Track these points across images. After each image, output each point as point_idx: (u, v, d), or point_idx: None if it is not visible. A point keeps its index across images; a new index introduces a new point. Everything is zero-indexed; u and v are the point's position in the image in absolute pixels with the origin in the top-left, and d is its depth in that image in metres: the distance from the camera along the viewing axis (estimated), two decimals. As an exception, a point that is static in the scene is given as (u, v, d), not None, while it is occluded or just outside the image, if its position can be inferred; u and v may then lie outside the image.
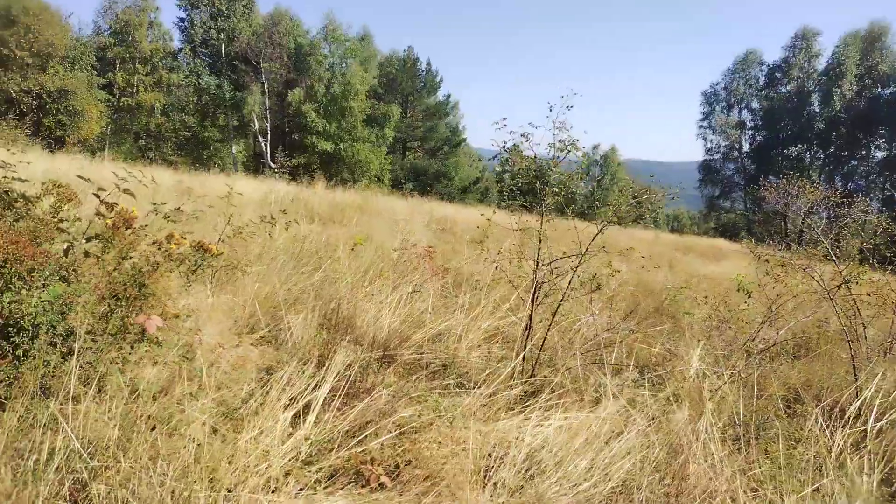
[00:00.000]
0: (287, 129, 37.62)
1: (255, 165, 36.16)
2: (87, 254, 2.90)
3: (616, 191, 65.06)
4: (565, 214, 4.56)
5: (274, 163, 34.26)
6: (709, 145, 45.81)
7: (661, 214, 78.98)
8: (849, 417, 3.21)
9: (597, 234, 4.16)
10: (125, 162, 24.35)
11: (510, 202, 4.76)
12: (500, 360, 4.25)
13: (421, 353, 4.22)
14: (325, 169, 32.91)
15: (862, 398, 3.45)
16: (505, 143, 4.36)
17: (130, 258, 2.87)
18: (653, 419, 3.15)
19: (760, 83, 44.43)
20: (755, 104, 44.67)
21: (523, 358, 4.14)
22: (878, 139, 40.04)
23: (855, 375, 4.24)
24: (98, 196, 3.05)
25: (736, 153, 45.34)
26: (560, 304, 4.27)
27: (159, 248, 2.99)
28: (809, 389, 4.46)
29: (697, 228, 50.84)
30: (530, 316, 4.26)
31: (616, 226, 4.36)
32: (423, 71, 40.47)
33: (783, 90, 43.13)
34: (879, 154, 40.22)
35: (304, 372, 2.93)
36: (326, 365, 3.02)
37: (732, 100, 44.70)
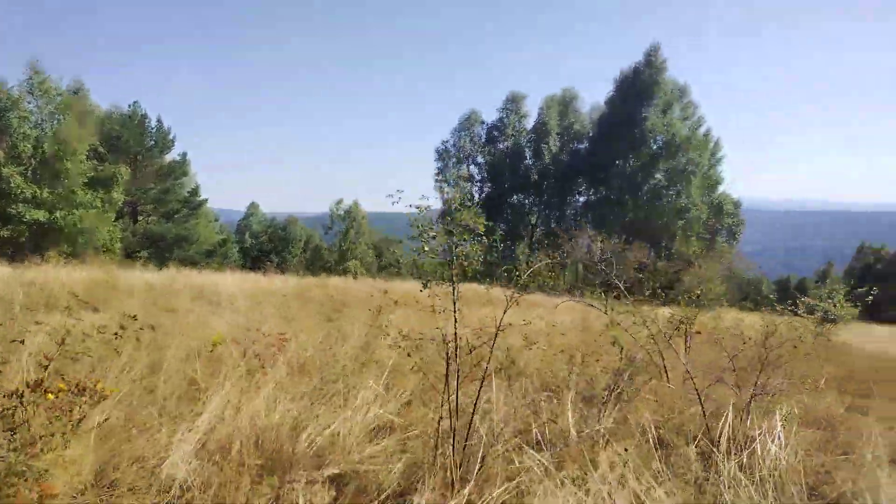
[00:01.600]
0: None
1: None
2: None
3: (362, 244, 66.71)
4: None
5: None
6: (445, 196, 49.72)
7: (403, 263, 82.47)
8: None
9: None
10: None
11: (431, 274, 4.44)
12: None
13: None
14: (39, 242, 27.80)
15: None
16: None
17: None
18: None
19: (482, 140, 49.92)
20: (480, 159, 49.96)
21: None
22: (580, 186, 47.77)
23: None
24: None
25: (469, 203, 49.93)
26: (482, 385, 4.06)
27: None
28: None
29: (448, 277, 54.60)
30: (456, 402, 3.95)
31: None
32: (152, 128, 37.06)
33: (501, 146, 49.15)
34: (581, 199, 48.03)
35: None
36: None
37: (462, 155, 49.47)
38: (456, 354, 4.00)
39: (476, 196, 50.52)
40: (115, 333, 4.12)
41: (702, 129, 44.18)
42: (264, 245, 71.75)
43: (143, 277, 15.01)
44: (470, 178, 50.02)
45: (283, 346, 5.42)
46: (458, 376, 3.99)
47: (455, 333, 4.06)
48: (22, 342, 3.96)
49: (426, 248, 4.12)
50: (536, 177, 47.43)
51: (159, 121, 38.00)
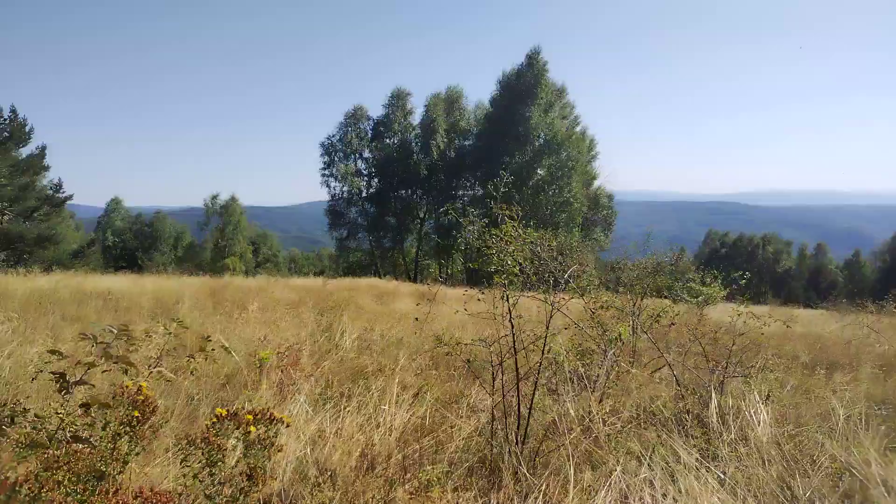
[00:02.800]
0: None
1: None
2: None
3: (241, 240, 64.05)
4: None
5: None
6: (333, 192, 49.02)
7: (281, 258, 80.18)
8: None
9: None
10: None
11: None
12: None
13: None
14: None
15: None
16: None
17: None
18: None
19: (369, 136, 49.64)
20: (367, 154, 49.67)
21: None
22: (466, 181, 49.03)
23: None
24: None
25: (356, 198, 49.48)
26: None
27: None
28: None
29: (332, 269, 53.92)
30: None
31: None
32: (5, 119, 33.11)
33: (388, 142, 49.17)
34: (470, 193, 49.31)
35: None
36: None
37: (348, 150, 48.91)
38: (514, 353, 4.17)
39: (364, 191, 50.21)
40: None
41: (578, 128, 47.20)
42: (129, 243, 66.45)
43: (24, 282, 13.49)
44: (358, 173, 49.58)
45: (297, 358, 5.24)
46: (517, 374, 4.16)
47: (512, 334, 4.22)
48: None
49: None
50: (426, 172, 48.02)
51: (13, 111, 34.03)
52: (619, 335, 5.64)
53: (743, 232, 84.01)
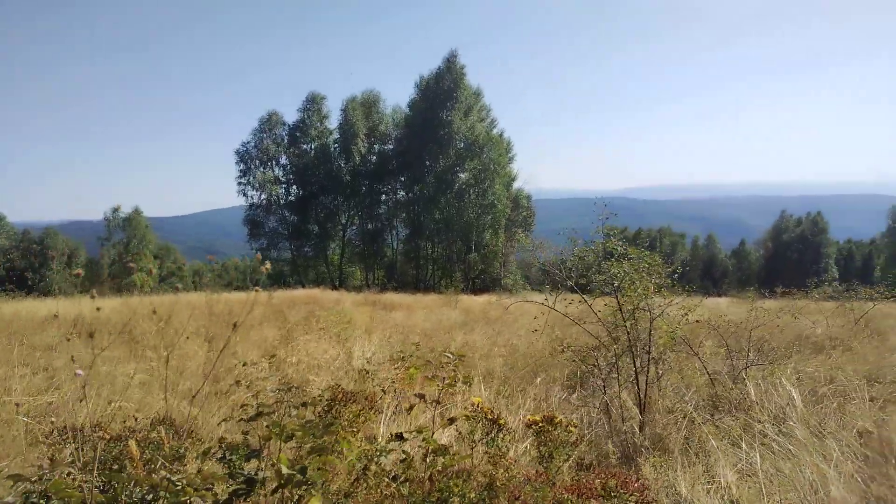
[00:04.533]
0: None
1: None
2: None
3: (147, 254, 60.66)
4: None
5: None
6: (251, 200, 47.56)
7: (186, 271, 76.76)
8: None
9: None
10: None
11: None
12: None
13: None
14: None
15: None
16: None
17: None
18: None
19: (285, 141, 48.56)
20: (284, 160, 48.57)
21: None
22: (392, 185, 49.01)
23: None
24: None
25: (276, 206, 48.31)
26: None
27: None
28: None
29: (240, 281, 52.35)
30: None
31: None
32: None
33: (305, 147, 48.33)
34: (394, 197, 49.46)
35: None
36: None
37: (265, 157, 47.52)
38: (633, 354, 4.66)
39: (283, 198, 49.07)
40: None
41: (496, 130, 48.47)
42: (16, 262, 61.15)
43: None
44: (276, 181, 48.31)
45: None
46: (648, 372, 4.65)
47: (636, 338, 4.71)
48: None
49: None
50: (348, 177, 47.54)
51: None
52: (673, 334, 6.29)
53: (640, 226, 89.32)
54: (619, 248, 5.47)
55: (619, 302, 5.08)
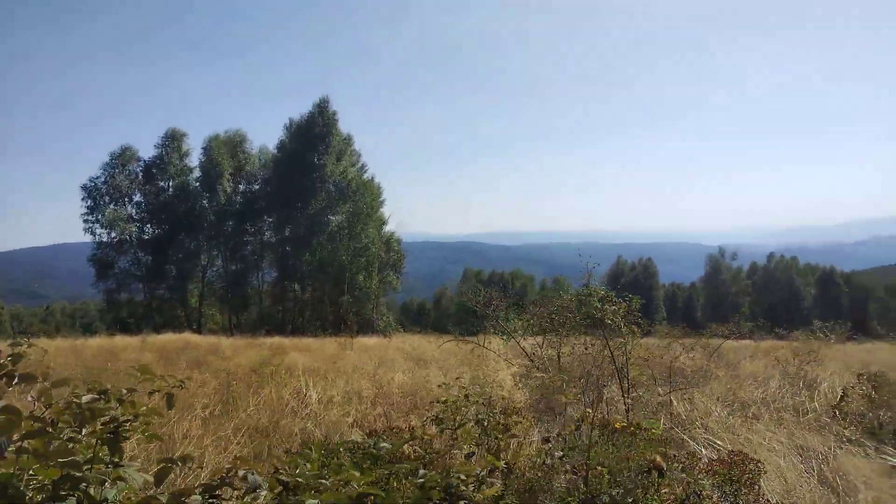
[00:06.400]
0: None
1: None
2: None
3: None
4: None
5: None
6: (99, 239, 43.90)
7: (5, 316, 68.95)
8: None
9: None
10: None
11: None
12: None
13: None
14: None
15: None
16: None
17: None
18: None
19: (140, 178, 45.70)
20: (139, 197, 45.63)
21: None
22: (259, 226, 47.55)
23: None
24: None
25: (128, 246, 45.01)
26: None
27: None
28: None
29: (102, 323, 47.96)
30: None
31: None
32: None
33: (163, 185, 45.82)
34: (262, 237, 48.13)
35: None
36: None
37: (117, 194, 44.22)
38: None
39: (134, 238, 45.77)
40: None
41: (366, 175, 49.31)
42: None
43: None
44: (129, 219, 45.00)
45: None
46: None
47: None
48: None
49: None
50: (213, 217, 45.60)
51: None
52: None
53: (494, 269, 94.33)
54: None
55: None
